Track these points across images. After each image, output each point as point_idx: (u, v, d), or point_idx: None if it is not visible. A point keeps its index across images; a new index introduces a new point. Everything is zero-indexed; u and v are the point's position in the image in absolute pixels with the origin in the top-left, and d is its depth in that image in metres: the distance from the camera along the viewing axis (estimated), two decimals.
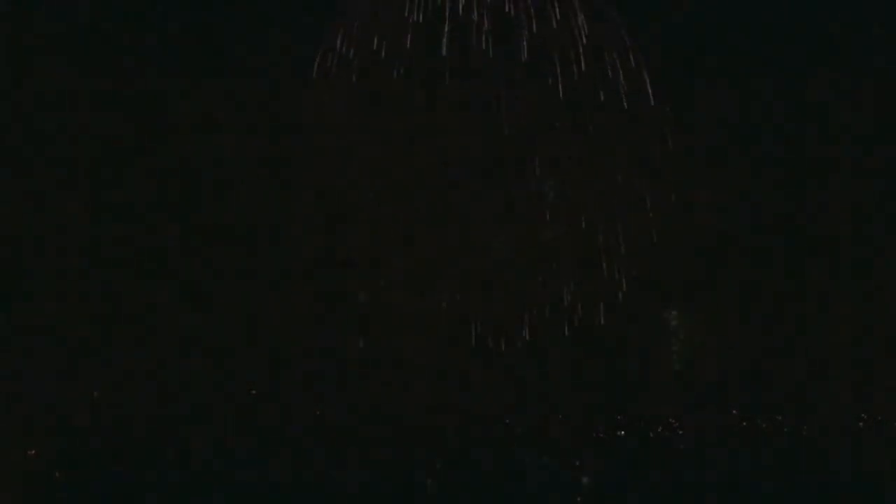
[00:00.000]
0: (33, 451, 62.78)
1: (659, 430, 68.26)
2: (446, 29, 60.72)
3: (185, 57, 66.37)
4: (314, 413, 66.77)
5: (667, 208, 66.80)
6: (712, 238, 69.44)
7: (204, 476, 62.26)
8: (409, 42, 60.67)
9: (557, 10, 61.80)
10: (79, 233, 64.31)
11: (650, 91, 61.27)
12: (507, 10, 61.45)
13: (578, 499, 65.18)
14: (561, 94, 62.00)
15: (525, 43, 61.53)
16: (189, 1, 66.84)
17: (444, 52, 60.83)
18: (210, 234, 65.84)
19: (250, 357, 66.65)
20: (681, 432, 67.83)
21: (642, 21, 63.85)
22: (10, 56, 63.68)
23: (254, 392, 66.75)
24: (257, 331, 66.37)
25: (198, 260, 66.06)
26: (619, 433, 67.58)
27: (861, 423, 64.19)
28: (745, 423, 67.03)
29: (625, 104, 61.72)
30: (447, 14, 60.71)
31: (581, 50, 61.54)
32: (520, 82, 63.76)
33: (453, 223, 65.12)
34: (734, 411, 67.71)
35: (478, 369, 68.29)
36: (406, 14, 60.53)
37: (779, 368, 65.40)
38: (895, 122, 64.68)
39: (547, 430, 68.36)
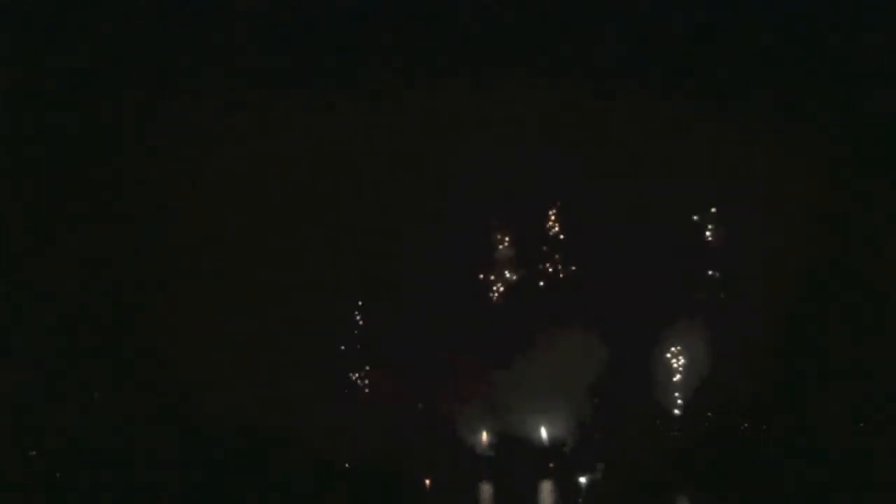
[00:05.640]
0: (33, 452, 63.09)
1: (658, 431, 68.19)
2: None
3: None
4: None
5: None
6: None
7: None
8: None
9: None
10: None
11: None
12: None
13: (579, 500, 65.44)
14: None
15: None
16: None
17: None
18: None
19: None
20: (679, 434, 67.77)
21: None
22: None
23: None
24: None
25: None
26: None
27: (861, 425, 63.99)
28: (745, 425, 66.86)
29: None
30: None
31: None
32: None
33: None
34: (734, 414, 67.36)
35: None
36: None
37: (779, 371, 65.07)
38: None
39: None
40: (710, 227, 69.27)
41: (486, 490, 67.12)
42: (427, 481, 66.47)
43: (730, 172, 65.96)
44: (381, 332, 70.37)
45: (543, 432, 68.24)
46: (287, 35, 68.31)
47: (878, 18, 63.40)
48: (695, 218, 69.16)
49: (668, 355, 68.07)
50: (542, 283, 71.91)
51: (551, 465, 67.61)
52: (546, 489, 66.48)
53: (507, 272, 72.32)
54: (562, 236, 71.98)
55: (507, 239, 72.50)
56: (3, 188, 63.61)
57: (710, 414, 67.33)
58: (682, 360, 67.90)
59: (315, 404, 67.66)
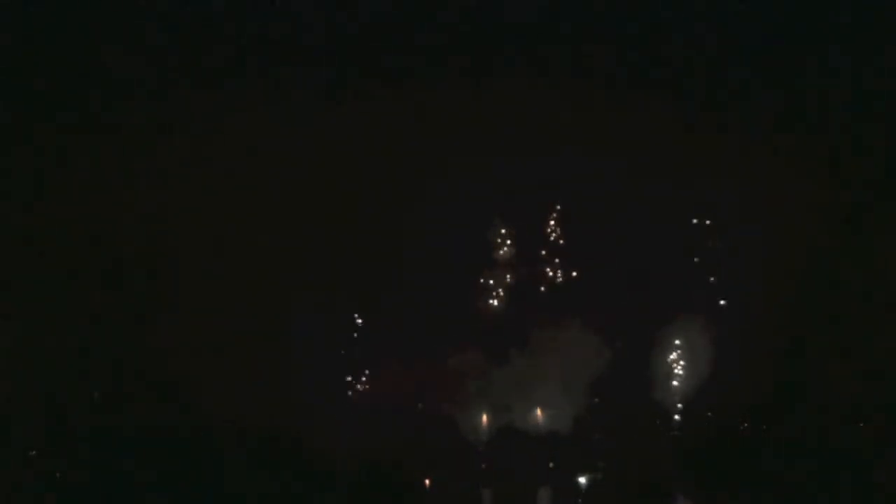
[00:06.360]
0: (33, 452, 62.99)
1: (658, 431, 68.30)
2: None
3: None
4: None
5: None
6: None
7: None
8: None
9: None
10: None
11: None
12: None
13: (579, 500, 65.54)
14: None
15: None
16: None
17: None
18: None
19: None
20: (679, 434, 67.86)
21: None
22: None
23: None
24: None
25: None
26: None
27: (861, 425, 64.07)
28: (745, 425, 66.94)
29: None
30: None
31: None
32: None
33: None
34: (734, 414, 67.45)
35: None
36: None
37: (779, 371, 65.22)
38: None
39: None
40: (710, 228, 69.36)
41: (486, 490, 67.11)
42: (427, 481, 66.44)
43: (730, 174, 66.12)
44: (381, 332, 70.42)
45: (543, 432, 68.23)
46: (287, 34, 68.45)
47: (878, 19, 63.75)
48: (695, 219, 69.23)
49: (668, 355, 68.15)
50: (542, 284, 72.05)
51: (551, 465, 67.59)
52: (546, 489, 66.47)
53: (507, 272, 72.39)
54: (562, 237, 72.11)
55: (507, 240, 72.59)
56: (1, 185, 63.68)
57: (710, 414, 67.42)
58: (682, 361, 67.97)
59: (315, 404, 67.71)
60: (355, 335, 70.77)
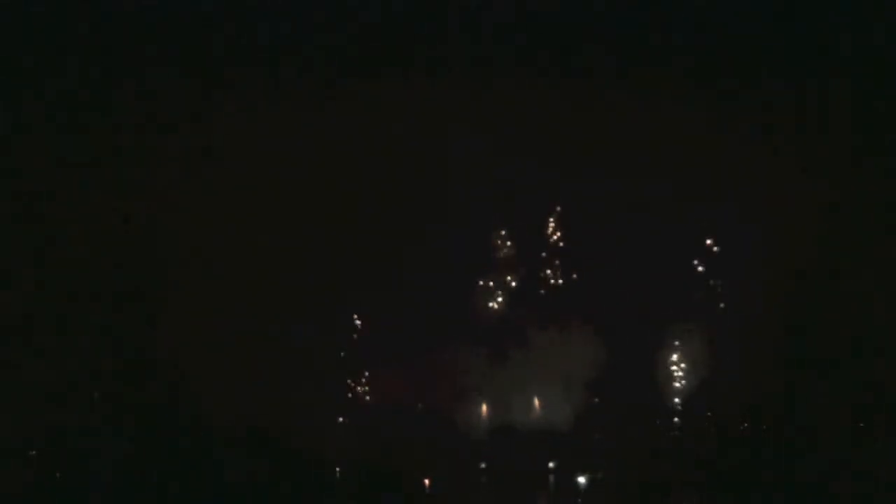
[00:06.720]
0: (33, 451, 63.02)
1: (658, 431, 68.33)
2: None
3: None
4: None
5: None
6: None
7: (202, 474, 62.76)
8: None
9: None
10: None
11: None
12: None
13: (579, 500, 65.59)
14: None
15: None
16: None
17: None
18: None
19: None
20: (679, 434, 67.89)
21: None
22: None
23: None
24: None
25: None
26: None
27: (861, 425, 64.11)
28: (745, 425, 66.98)
29: None
30: None
31: None
32: None
33: None
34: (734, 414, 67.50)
35: None
36: None
37: (779, 371, 65.26)
38: None
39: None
40: (710, 229, 69.44)
41: (486, 490, 67.16)
42: (427, 481, 66.46)
43: (730, 175, 66.16)
44: (381, 332, 70.45)
45: (543, 432, 68.26)
46: (286, 34, 68.48)
47: (879, 18, 63.85)
48: (695, 220, 69.24)
49: (669, 356, 68.20)
50: (542, 284, 72.06)
51: (551, 464, 67.64)
52: (546, 489, 66.54)
53: (507, 273, 72.42)
54: (562, 238, 72.12)
55: (507, 240, 72.62)
56: (3, 187, 63.68)
57: (710, 414, 67.47)
58: (682, 361, 68.02)
59: (315, 405, 67.73)
60: (355, 335, 70.80)
